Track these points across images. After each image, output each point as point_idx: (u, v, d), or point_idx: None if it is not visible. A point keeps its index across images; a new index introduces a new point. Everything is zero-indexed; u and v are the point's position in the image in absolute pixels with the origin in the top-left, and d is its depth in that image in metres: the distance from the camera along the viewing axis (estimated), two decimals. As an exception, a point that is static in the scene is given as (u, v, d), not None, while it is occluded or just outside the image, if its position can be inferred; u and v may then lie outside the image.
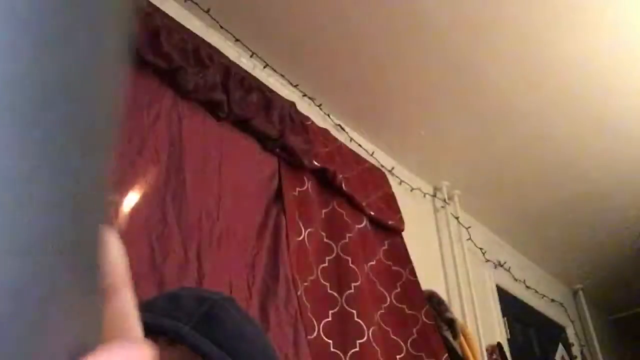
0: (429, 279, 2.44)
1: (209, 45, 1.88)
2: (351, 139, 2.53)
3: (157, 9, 1.72)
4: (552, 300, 3.83)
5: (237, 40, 2.12)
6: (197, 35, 1.84)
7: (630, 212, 3.41)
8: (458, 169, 2.99)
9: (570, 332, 3.97)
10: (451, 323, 2.30)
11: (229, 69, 1.88)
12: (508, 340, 3.09)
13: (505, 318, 3.18)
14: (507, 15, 2.15)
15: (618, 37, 2.27)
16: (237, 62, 2.00)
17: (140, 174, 1.44)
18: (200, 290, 1.07)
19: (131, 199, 1.38)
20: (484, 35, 2.23)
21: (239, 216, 1.66)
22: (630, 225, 3.54)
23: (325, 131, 2.29)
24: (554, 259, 3.91)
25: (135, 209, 1.37)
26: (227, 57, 1.93)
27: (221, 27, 2.06)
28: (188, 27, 1.83)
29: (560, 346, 3.75)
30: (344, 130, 2.52)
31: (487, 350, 2.70)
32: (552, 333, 3.82)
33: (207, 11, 2.00)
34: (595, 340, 4.07)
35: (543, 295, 3.71)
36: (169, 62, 1.64)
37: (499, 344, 2.81)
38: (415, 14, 2.12)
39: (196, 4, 1.96)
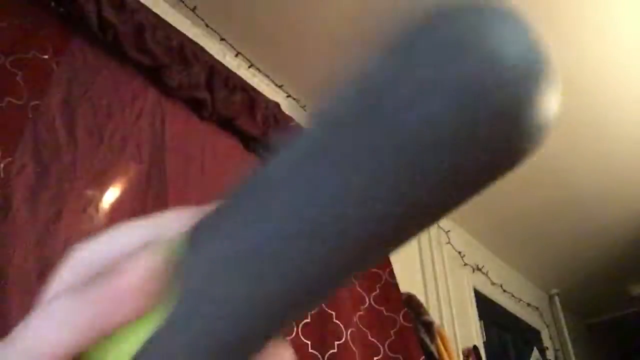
0: (408, 281, 2.46)
1: (194, 43, 1.87)
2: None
3: (143, 5, 1.71)
4: (528, 305, 3.89)
5: (222, 39, 2.12)
6: (182, 32, 1.83)
7: (607, 219, 3.47)
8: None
9: (545, 336, 4.04)
10: (429, 326, 2.32)
11: (214, 68, 1.87)
12: (484, 343, 3.12)
13: (482, 321, 3.22)
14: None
15: (602, 48, 2.32)
16: (222, 61, 2.00)
17: (122, 171, 1.43)
18: None
19: (112, 198, 1.37)
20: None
21: (220, 216, 1.65)
22: (607, 232, 3.61)
23: (308, 132, 2.29)
24: (531, 263, 3.97)
25: (116, 207, 1.36)
26: (212, 56, 1.92)
27: (207, 25, 2.05)
28: (173, 24, 1.82)
29: (535, 350, 3.80)
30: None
31: (463, 353, 2.73)
32: (527, 337, 3.87)
33: (193, 9, 1.99)
34: (570, 344, 4.13)
35: (519, 299, 3.76)
36: (153, 59, 1.63)
37: (475, 347, 2.85)
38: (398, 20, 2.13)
39: (182, 1, 1.95)
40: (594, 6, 2.12)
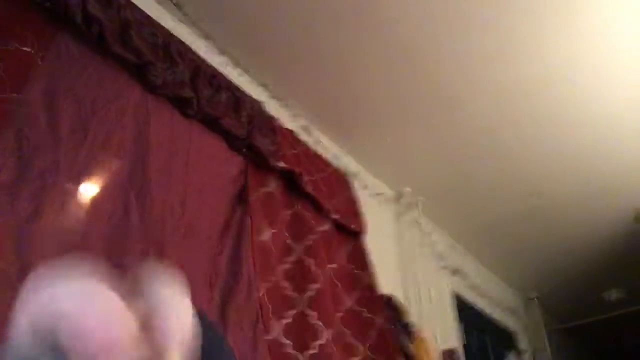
0: (389, 283, 2.47)
1: (180, 41, 1.86)
2: (318, 142, 2.54)
3: (129, 2, 1.69)
4: (507, 308, 3.93)
5: (208, 37, 2.11)
6: (168, 30, 1.82)
7: (585, 227, 3.53)
8: (421, 176, 3.04)
9: (523, 339, 4.08)
10: (408, 327, 2.33)
11: (199, 66, 1.87)
12: (463, 345, 3.15)
13: (461, 324, 3.25)
14: (476, 33, 2.20)
15: (583, 60, 2.36)
16: (208, 60, 1.99)
17: (104, 168, 1.42)
18: None
19: (93, 193, 1.36)
20: (452, 51, 2.27)
21: (203, 215, 1.65)
22: (585, 239, 3.67)
23: (293, 133, 2.29)
24: (510, 268, 4.01)
25: (98, 203, 1.35)
26: (197, 54, 1.91)
27: (193, 23, 2.04)
28: (159, 21, 1.81)
29: (514, 352, 3.85)
30: (311, 133, 2.54)
31: (442, 354, 2.75)
32: (506, 339, 3.92)
33: (180, 7, 1.98)
34: (547, 347, 4.19)
35: (499, 302, 3.80)
36: (138, 56, 1.62)
37: (454, 349, 2.87)
38: (384, 27, 2.15)
39: (169, -1, 1.94)
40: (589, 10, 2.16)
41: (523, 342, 4.07)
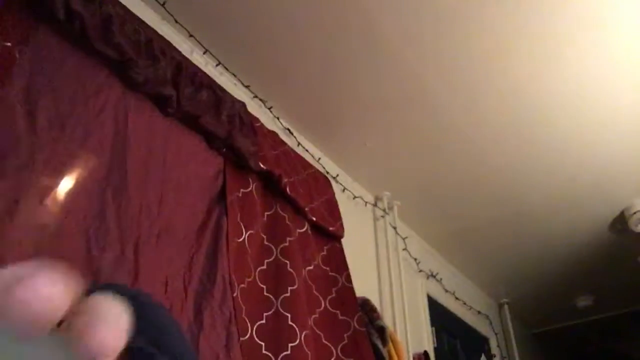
0: (364, 286, 2.49)
1: (162, 38, 1.85)
2: (299, 144, 2.55)
3: (112, -3, 1.68)
4: (479, 312, 3.99)
5: (191, 35, 2.11)
6: (150, 27, 1.81)
7: (557, 234, 3.60)
8: (399, 181, 3.08)
9: (493, 344, 4.14)
10: (382, 330, 2.35)
11: (181, 64, 1.86)
12: (435, 349, 3.19)
13: (434, 327, 3.29)
14: (458, 38, 2.23)
15: (559, 68, 2.40)
16: (190, 58, 1.98)
17: (82, 165, 1.41)
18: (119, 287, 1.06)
19: (70, 190, 1.35)
20: (433, 55, 2.30)
21: (180, 214, 1.65)
22: (556, 247, 3.74)
23: (273, 134, 2.30)
24: (483, 273, 4.07)
25: (74, 200, 1.34)
26: (179, 52, 1.91)
27: (176, 21, 2.04)
28: (142, 18, 1.80)
29: (483, 357, 3.90)
30: (292, 134, 2.55)
31: (414, 357, 2.79)
32: (476, 343, 3.97)
33: (163, 4, 1.97)
34: (516, 352, 4.26)
35: (470, 307, 3.85)
36: (119, 52, 1.61)
37: (425, 353, 2.90)
38: (368, 32, 2.17)
39: (152, -5, 1.93)
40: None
41: (493, 347, 4.13)
